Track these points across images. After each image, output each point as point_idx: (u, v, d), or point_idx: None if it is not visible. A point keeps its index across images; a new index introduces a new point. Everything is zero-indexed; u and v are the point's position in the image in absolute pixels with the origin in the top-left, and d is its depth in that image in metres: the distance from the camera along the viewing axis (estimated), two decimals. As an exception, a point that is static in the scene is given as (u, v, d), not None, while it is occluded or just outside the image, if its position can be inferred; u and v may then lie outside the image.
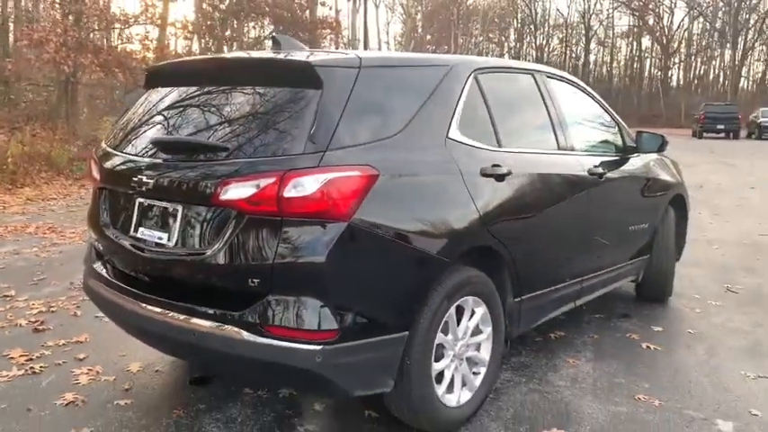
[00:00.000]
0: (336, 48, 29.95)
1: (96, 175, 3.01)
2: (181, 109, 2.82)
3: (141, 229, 2.71)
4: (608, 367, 3.58)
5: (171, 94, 2.90)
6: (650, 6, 56.95)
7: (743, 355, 3.79)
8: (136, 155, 2.80)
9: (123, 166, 2.82)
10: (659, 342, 3.98)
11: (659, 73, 59.10)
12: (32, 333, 3.96)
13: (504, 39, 60.29)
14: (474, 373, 2.93)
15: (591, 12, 58.34)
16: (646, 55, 60.15)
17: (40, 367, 3.44)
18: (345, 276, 2.34)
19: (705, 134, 30.29)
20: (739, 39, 54.96)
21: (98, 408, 3.04)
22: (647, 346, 3.91)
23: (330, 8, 27.15)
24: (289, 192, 2.27)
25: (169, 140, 2.69)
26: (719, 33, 57.20)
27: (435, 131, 2.76)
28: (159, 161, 2.67)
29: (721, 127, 30.00)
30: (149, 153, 2.74)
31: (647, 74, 60.32)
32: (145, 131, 2.88)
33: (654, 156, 4.56)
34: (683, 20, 57.90)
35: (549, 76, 3.74)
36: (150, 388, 3.25)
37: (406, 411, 2.67)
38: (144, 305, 2.63)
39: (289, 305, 2.31)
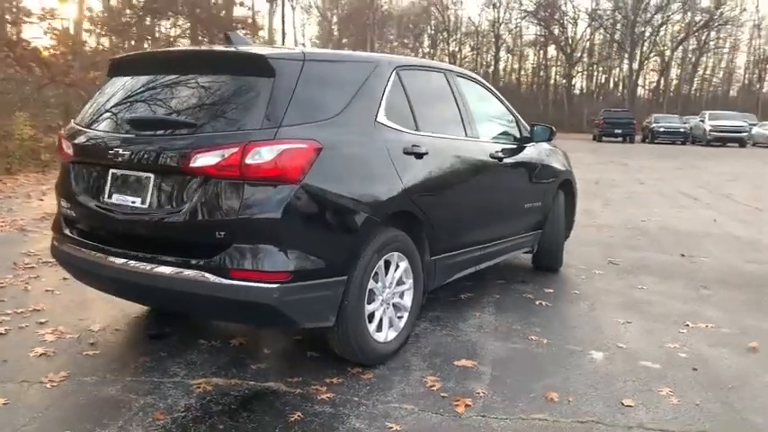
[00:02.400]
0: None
1: (68, 150, 3.42)
2: (148, 93, 3.28)
3: (115, 195, 3.15)
4: (507, 318, 4.28)
5: (137, 81, 3.36)
6: (555, 17, 59.97)
7: (617, 309, 4.59)
8: (108, 132, 3.25)
9: (96, 142, 3.26)
10: (549, 300, 4.73)
11: (564, 81, 62.29)
12: (-11, 302, 4.26)
13: (418, 45, 61.85)
14: (398, 317, 3.53)
15: (500, 21, 60.83)
16: (551, 63, 63.15)
17: (5, 329, 3.77)
18: (296, 229, 2.88)
19: (604, 138, 32.45)
20: (636, 50, 58.72)
21: (69, 357, 3.44)
22: (540, 303, 4.65)
23: (248, 9, 27.30)
24: (249, 159, 2.80)
25: (142, 118, 3.16)
26: (618, 44, 60.90)
27: (366, 116, 3.35)
28: (131, 136, 3.13)
29: (619, 131, 32.23)
30: (121, 130, 3.20)
31: (552, 81, 63.32)
32: (115, 112, 3.32)
33: (546, 146, 5.34)
34: (585, 31, 61.24)
35: (458, 75, 4.42)
36: (113, 342, 3.67)
37: (344, 344, 3.24)
38: (121, 260, 3.08)
39: (250, 252, 2.83)
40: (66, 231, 3.44)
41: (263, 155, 2.80)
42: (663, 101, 57.32)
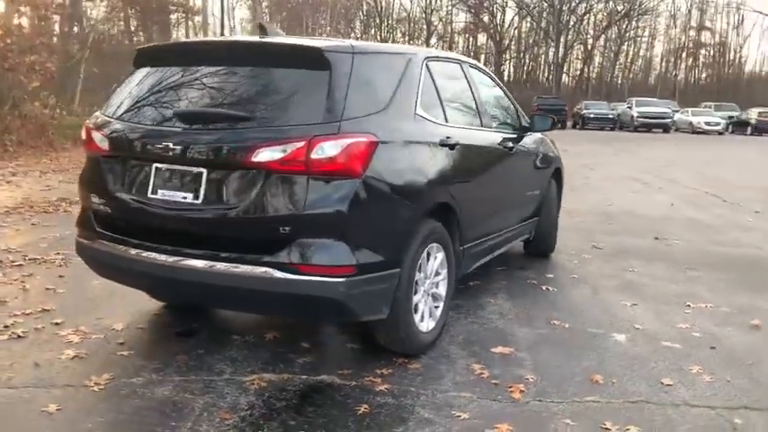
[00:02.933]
0: (186, 31, 29.14)
1: (101, 144, 3.28)
2: (192, 85, 3.19)
3: (161, 191, 3.06)
4: (522, 304, 4.41)
5: (177, 72, 3.25)
6: (485, 5, 60.95)
7: (618, 292, 4.79)
8: (150, 125, 3.14)
9: (136, 136, 3.14)
10: (553, 285, 4.89)
11: (493, 68, 63.51)
12: (-9, 304, 4.05)
13: (350, 30, 61.58)
14: (435, 307, 3.59)
15: (432, 8, 61.33)
16: (481, 51, 64.20)
17: (22, 332, 3.60)
18: (359, 222, 2.88)
19: (538, 124, 33.29)
20: (561, 38, 60.43)
21: (103, 358, 3.33)
22: (546, 288, 4.80)
23: (183, -8, 26.49)
24: (315, 154, 2.77)
25: (195, 111, 3.06)
26: (544, 32, 62.54)
27: (408, 108, 3.36)
28: (178, 130, 3.03)
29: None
30: (166, 123, 3.09)
31: (483, 68, 64.31)
32: (158, 105, 3.21)
33: (539, 135, 5.48)
34: (513, 19, 62.51)
35: (470, 66, 4.48)
36: (143, 341, 3.57)
37: (393, 335, 3.27)
38: (171, 258, 3.00)
39: (315, 247, 2.82)
40: (99, 228, 3.30)
41: (329, 149, 2.79)
42: (587, 88, 59.32)
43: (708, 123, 31.81)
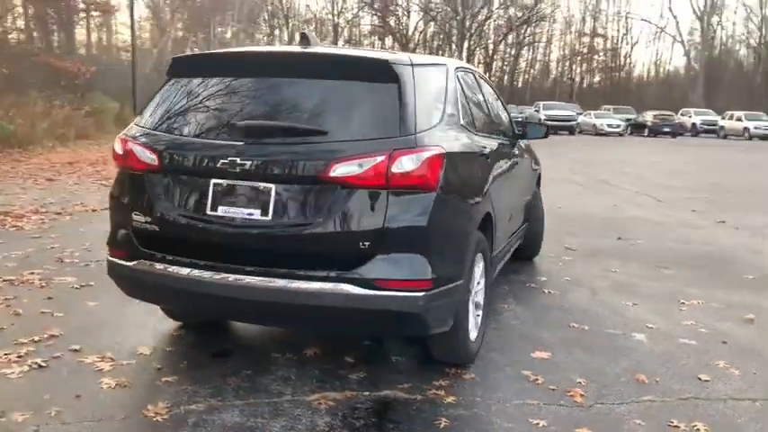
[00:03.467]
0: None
1: (144, 158, 3.08)
2: (250, 96, 3.08)
3: (222, 207, 2.92)
4: (534, 309, 4.53)
5: (230, 83, 3.12)
6: (391, 8, 61.70)
7: (614, 292, 5.01)
8: (206, 139, 2.99)
9: (190, 150, 2.99)
10: (553, 288, 5.05)
11: (400, 70, 64.23)
12: (-8, 333, 3.72)
13: (254, 30, 60.53)
14: (477, 315, 3.63)
15: (339, 10, 61.40)
16: (389, 53, 64.80)
17: (42, 361, 3.33)
18: (435, 236, 2.88)
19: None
20: (464, 43, 62.11)
21: (148, 386, 3.14)
22: (548, 291, 4.95)
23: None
24: (396, 168, 2.74)
25: (263, 125, 2.94)
26: (447, 36, 64.09)
27: (455, 119, 3.39)
28: (240, 144, 2.91)
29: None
30: (226, 136, 2.96)
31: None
32: (214, 117, 3.07)
33: (524, 142, 5.64)
34: (417, 23, 63.63)
35: (479, 75, 4.55)
36: (181, 365, 3.39)
37: (451, 347, 3.27)
38: (239, 277, 2.87)
39: (395, 261, 2.79)
40: (141, 248, 3.11)
41: (409, 163, 2.77)
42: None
43: (609, 125, 33.70)
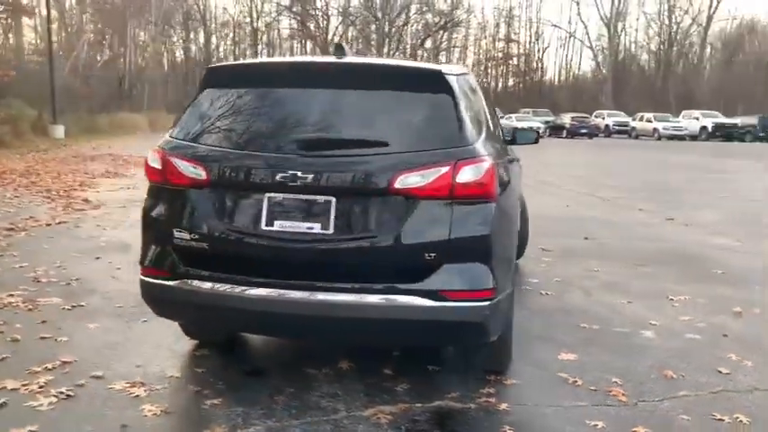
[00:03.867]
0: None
1: (188, 173, 2.95)
2: (299, 108, 2.99)
3: (278, 222, 2.83)
4: (538, 311, 4.63)
5: (274, 94, 3.05)
6: (311, 12, 61.44)
7: (605, 291, 5.20)
8: (258, 152, 2.90)
9: (240, 163, 2.88)
10: (547, 289, 5.18)
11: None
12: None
13: (172, 32, 58.83)
14: (507, 321, 3.67)
15: (257, 13, 60.56)
16: (309, 57, 64.55)
17: (68, 390, 3.13)
18: (496, 245, 2.90)
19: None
20: (384, 48, 62.61)
21: (196, 410, 3.01)
22: (544, 293, 5.08)
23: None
24: (460, 178, 2.75)
25: (322, 138, 2.89)
26: (366, 40, 64.42)
27: (490, 126, 3.43)
28: (294, 156, 2.83)
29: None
30: (281, 149, 2.88)
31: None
32: (262, 129, 2.98)
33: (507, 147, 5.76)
34: (337, 27, 63.59)
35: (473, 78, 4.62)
36: (219, 385, 3.25)
37: (499, 354, 3.31)
38: (301, 293, 2.80)
39: (460, 272, 2.79)
40: (185, 267, 2.97)
41: (471, 173, 2.78)
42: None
43: (530, 128, 34.77)
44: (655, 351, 3.89)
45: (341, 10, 61.73)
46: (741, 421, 3.02)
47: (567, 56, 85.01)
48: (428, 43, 65.42)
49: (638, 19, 70.68)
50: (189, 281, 2.95)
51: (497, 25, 68.35)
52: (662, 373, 3.54)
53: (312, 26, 62.52)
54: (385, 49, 62.37)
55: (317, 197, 2.81)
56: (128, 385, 3.20)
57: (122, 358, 3.56)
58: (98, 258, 5.81)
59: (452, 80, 2.98)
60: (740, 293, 5.19)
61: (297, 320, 2.88)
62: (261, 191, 2.86)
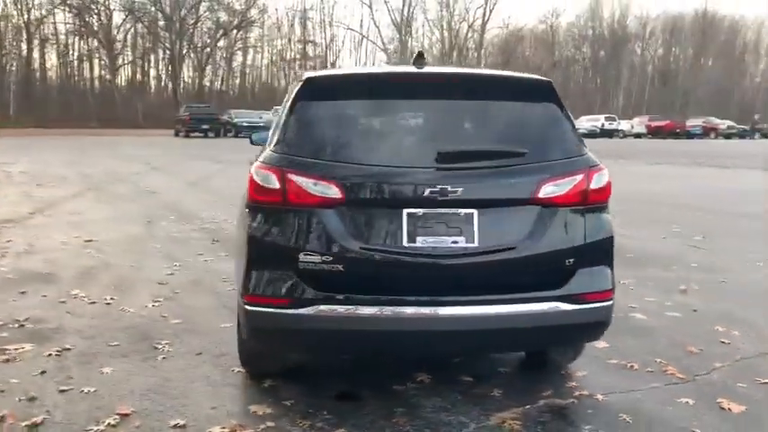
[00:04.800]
0: None
1: (317, 191, 2.73)
2: (422, 120, 2.92)
3: (421, 238, 2.73)
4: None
5: (390, 105, 2.94)
6: (91, 7, 56.63)
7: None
8: (393, 166, 2.78)
9: (376, 179, 2.75)
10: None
11: (106, 74, 59.55)
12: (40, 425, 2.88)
13: None
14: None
15: (25, 5, 54.38)
16: (94, 55, 59.60)
17: (165, 447, 2.73)
18: (613, 247, 3.06)
19: (191, 134, 32.83)
20: (176, 46, 59.76)
21: (327, 446, 2.79)
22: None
23: None
24: (592, 185, 2.89)
25: (456, 150, 2.82)
26: (155, 38, 61.03)
27: None
28: (431, 170, 2.76)
29: (206, 127, 33.08)
30: (416, 162, 2.80)
31: (96, 74, 60.03)
32: (387, 142, 2.88)
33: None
34: (122, 23, 59.42)
35: None
36: (325, 414, 3.03)
37: (578, 350, 3.49)
38: (442, 308, 2.73)
39: (591, 275, 2.92)
40: (317, 292, 2.74)
41: (600, 180, 2.93)
42: (205, 95, 59.74)
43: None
44: (659, 331, 4.34)
45: (124, 5, 57.63)
46: (784, 382, 3.53)
47: (360, 58, 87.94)
48: (223, 43, 63.78)
49: (423, 25, 75.19)
50: (322, 306, 2.73)
51: (292, 26, 68.67)
52: (686, 349, 3.98)
53: (94, 22, 57.70)
54: (176, 48, 59.61)
55: (459, 210, 2.77)
56: (226, 430, 2.87)
57: (185, 401, 3.16)
58: (23, 293, 4.98)
59: (556, 90, 3.09)
60: (668, 273, 5.93)
61: (447, 337, 2.82)
62: (399, 207, 2.75)
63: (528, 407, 3.17)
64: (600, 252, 2.97)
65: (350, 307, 2.74)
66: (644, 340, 4.13)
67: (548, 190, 2.82)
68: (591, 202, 2.93)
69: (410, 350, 3.21)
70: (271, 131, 3.25)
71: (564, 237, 2.86)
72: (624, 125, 48.16)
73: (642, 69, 74.72)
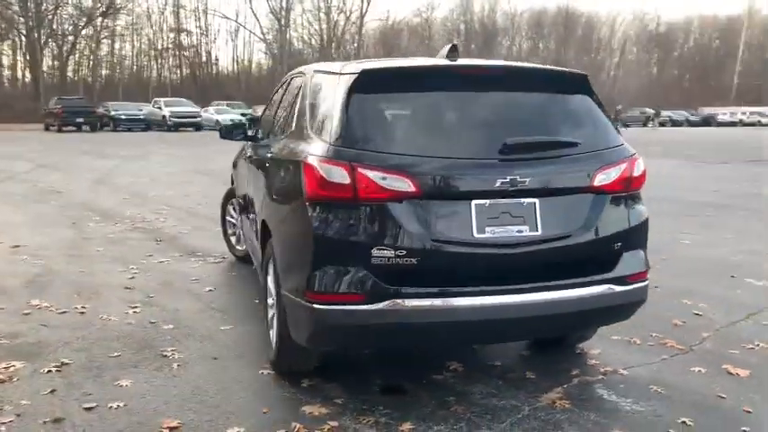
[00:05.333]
0: None
1: (391, 185, 2.70)
2: (473, 111, 2.99)
3: (489, 228, 2.78)
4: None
5: (441, 97, 3.00)
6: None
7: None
8: (458, 158, 2.80)
9: (447, 173, 2.76)
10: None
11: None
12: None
13: None
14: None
15: None
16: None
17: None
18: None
19: (64, 128, 30.57)
20: (34, 33, 55.33)
21: (402, 440, 2.78)
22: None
23: None
24: (634, 173, 3.07)
25: (524, 141, 2.88)
26: (10, 25, 56.23)
27: None
28: (495, 161, 2.82)
29: (81, 120, 30.91)
30: (478, 155, 2.85)
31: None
32: (454, 135, 2.90)
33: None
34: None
35: None
36: (381, 410, 3.02)
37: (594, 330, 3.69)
38: (509, 296, 2.81)
39: (633, 257, 3.10)
40: (392, 287, 2.71)
41: (639, 168, 3.12)
42: (68, 86, 55.83)
43: (233, 120, 34.60)
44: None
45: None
46: None
47: (237, 48, 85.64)
48: (89, 31, 59.75)
49: (302, 15, 74.27)
50: (397, 300, 2.70)
51: (163, 14, 65.59)
52: (671, 323, 4.29)
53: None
54: (35, 35, 55.19)
55: (522, 200, 2.84)
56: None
57: (230, 408, 3.02)
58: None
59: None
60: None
61: (518, 323, 2.89)
62: (468, 198, 2.78)
63: (566, 386, 3.32)
64: (640, 235, 3.15)
65: (423, 300, 2.74)
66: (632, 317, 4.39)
67: (600, 178, 2.96)
68: (632, 189, 3.10)
69: (482, 339, 3.26)
70: (312, 122, 3.15)
71: (613, 222, 3.01)
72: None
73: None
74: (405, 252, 2.71)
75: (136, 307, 4.49)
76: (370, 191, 2.72)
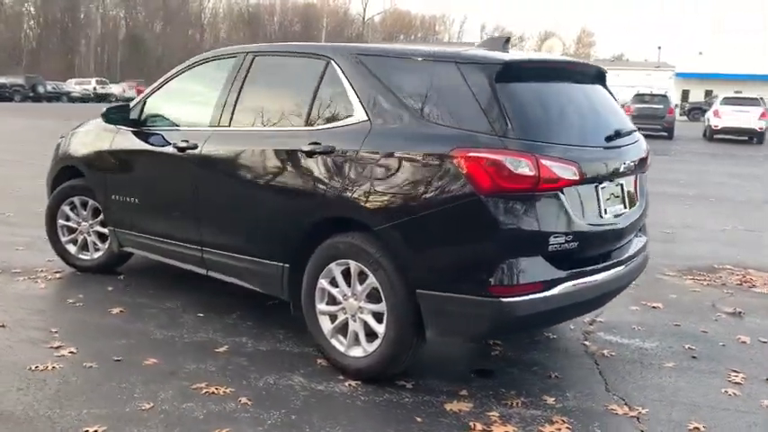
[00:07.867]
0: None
1: (564, 174, 2.88)
2: (577, 101, 3.32)
3: (609, 209, 3.17)
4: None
5: (552, 88, 3.24)
6: None
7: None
8: (587, 146, 3.12)
9: (591, 159, 3.07)
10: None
11: None
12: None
13: None
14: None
15: None
16: None
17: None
18: None
19: None
20: None
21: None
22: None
23: None
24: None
25: (622, 129, 3.34)
26: None
27: None
28: (601, 148, 3.19)
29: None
30: (597, 141, 3.19)
31: None
32: (571, 123, 3.19)
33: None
34: None
35: None
36: (522, 393, 3.13)
37: None
38: (621, 267, 3.29)
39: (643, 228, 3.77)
40: (562, 271, 2.90)
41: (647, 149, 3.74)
42: None
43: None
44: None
45: None
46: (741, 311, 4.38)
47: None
48: None
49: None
50: (566, 283, 2.91)
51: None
52: (640, 303, 4.49)
53: None
54: None
55: (621, 180, 3.28)
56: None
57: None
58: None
59: None
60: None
61: (617, 290, 3.40)
62: (597, 182, 3.10)
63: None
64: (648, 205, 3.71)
65: (584, 279, 3.01)
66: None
67: (649, 159, 3.61)
68: (646, 168, 3.66)
69: (596, 308, 3.61)
70: (436, 111, 2.97)
71: (647, 195, 3.62)
72: (115, 89, 45.42)
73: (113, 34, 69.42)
74: (572, 237, 2.92)
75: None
76: (549, 181, 2.82)
